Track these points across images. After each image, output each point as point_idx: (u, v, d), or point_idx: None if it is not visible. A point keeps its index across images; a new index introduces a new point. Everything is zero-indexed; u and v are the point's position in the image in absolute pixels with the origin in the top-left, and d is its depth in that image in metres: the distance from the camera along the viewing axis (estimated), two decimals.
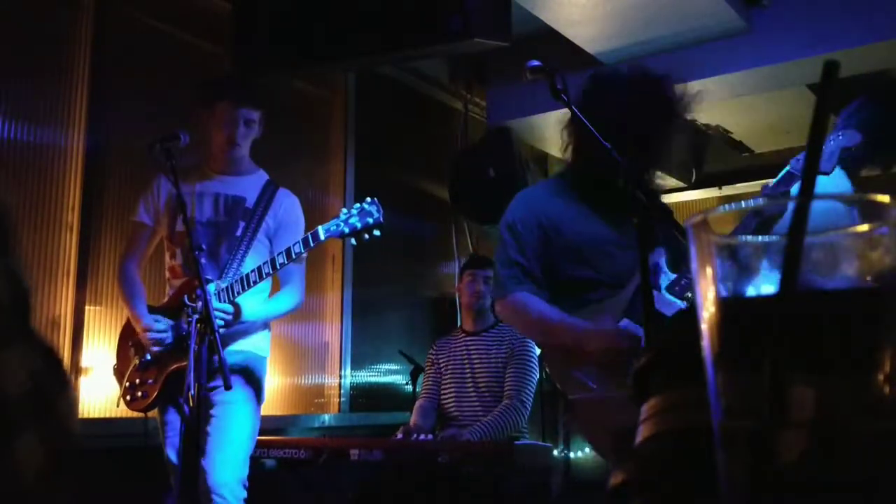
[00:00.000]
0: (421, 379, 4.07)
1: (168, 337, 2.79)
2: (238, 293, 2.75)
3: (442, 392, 3.90)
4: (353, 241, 2.86)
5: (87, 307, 3.37)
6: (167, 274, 2.96)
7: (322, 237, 2.79)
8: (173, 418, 2.79)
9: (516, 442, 3.07)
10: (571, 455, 3.77)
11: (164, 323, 2.80)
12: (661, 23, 4.15)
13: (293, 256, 2.77)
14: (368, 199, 2.87)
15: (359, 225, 2.82)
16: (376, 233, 2.85)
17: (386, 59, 3.94)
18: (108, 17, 3.56)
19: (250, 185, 2.97)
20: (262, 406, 2.90)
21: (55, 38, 3.41)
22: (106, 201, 3.49)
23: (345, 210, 2.87)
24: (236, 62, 3.64)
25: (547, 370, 2.35)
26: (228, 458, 2.67)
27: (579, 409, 2.26)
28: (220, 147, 2.92)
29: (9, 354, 0.54)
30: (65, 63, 3.43)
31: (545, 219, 2.37)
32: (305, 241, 2.77)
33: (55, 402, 0.58)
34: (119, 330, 3.00)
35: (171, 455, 2.77)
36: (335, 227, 2.82)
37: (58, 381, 0.59)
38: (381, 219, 2.84)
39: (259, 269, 2.76)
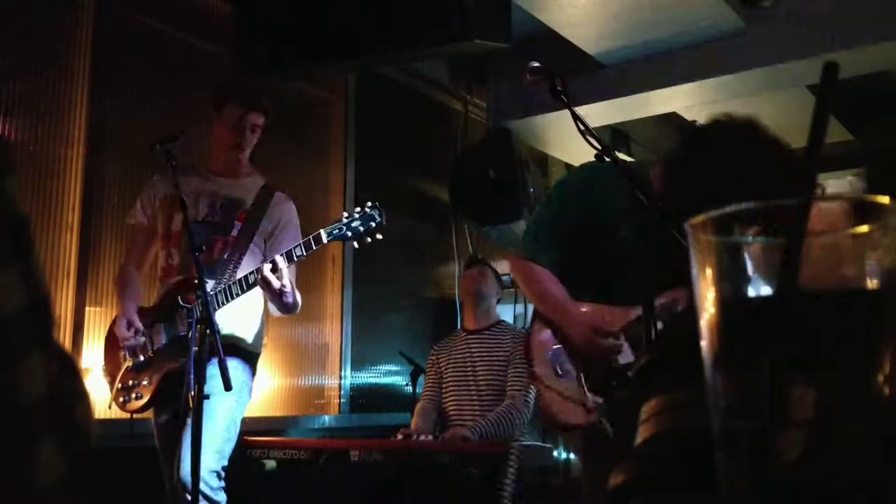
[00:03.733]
0: (421, 380, 4.06)
1: (139, 342, 2.79)
2: (236, 295, 2.75)
3: (443, 393, 3.89)
4: (354, 244, 2.86)
5: (87, 308, 3.37)
6: (159, 273, 2.96)
7: (324, 240, 2.78)
8: (167, 419, 2.78)
9: (515, 442, 3.06)
10: (571, 455, 3.77)
11: (142, 332, 2.80)
12: (660, 24, 4.15)
13: (294, 259, 2.76)
14: (370, 203, 2.85)
15: (361, 228, 2.80)
16: (378, 236, 2.83)
17: (386, 59, 3.94)
18: (108, 17, 3.56)
19: (248, 187, 2.98)
20: (263, 407, 2.88)
21: (55, 38, 3.41)
22: (106, 201, 3.49)
23: (346, 213, 2.85)
24: (237, 63, 3.64)
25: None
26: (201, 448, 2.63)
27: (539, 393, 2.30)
28: (225, 149, 2.93)
29: (28, 364, 0.53)
30: (65, 63, 3.42)
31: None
32: (307, 244, 2.76)
33: (74, 410, 0.57)
34: None
35: (165, 456, 2.76)
36: (337, 231, 2.80)
37: (76, 389, 0.59)
38: (383, 222, 2.82)
39: (259, 270, 2.75)
